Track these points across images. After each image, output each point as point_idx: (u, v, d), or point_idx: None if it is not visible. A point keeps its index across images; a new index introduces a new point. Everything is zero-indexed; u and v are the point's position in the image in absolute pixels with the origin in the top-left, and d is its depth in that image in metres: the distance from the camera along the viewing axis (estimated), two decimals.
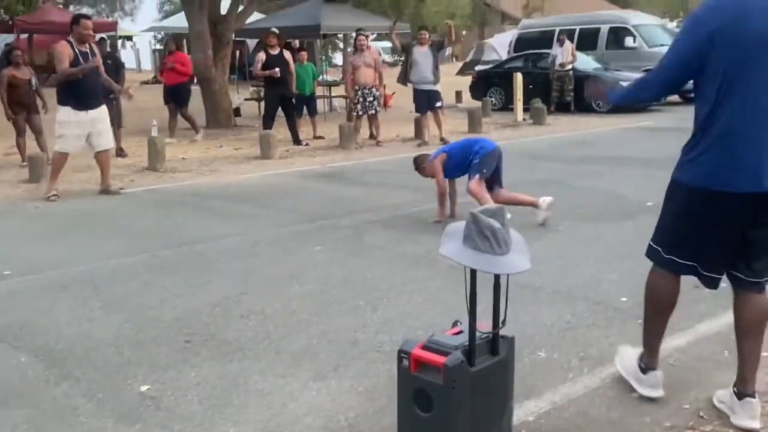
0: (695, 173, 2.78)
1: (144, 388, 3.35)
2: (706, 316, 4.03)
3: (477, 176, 6.20)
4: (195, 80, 14.31)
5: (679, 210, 2.90)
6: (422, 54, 12.10)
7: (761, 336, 2.94)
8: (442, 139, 12.16)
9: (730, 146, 2.69)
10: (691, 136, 2.83)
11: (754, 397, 2.90)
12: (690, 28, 2.78)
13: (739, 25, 2.62)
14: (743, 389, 2.91)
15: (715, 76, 2.67)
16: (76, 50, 7.70)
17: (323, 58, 22.77)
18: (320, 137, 12.99)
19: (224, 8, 16.27)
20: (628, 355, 3.28)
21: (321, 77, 18.19)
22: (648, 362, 3.15)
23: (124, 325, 4.16)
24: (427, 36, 12.38)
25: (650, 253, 3.06)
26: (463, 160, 6.41)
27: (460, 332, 2.62)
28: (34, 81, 10.24)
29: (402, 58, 15.88)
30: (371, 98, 12.12)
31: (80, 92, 7.77)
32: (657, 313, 3.10)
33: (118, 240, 6.22)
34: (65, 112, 7.82)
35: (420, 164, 6.73)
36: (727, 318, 3.87)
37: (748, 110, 2.66)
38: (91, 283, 4.95)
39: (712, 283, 2.96)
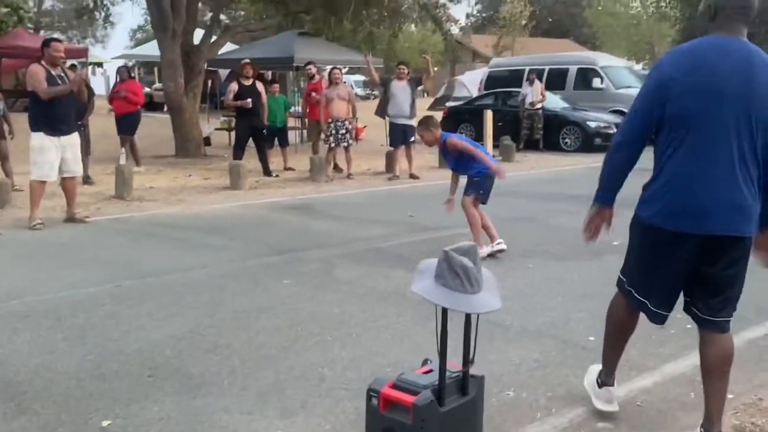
0: (650, 211, 2.91)
1: (105, 423, 3.27)
2: (672, 357, 4.07)
3: (473, 195, 6.46)
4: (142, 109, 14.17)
5: (636, 245, 3.04)
6: (400, 88, 12.24)
7: (726, 376, 2.99)
8: (411, 175, 12.24)
9: (683, 188, 2.82)
10: (652, 175, 2.95)
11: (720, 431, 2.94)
12: (652, 77, 2.92)
13: (694, 75, 2.78)
14: (709, 429, 2.95)
15: (672, 121, 2.82)
16: (51, 72, 7.63)
17: (295, 89, 22.81)
18: (290, 169, 13.00)
19: (197, 38, 16.29)
20: (592, 372, 3.46)
21: (293, 108, 18.27)
22: (605, 379, 3.33)
23: (86, 357, 4.07)
24: (406, 71, 12.52)
25: (618, 281, 3.20)
26: (463, 162, 6.50)
27: (430, 371, 2.60)
28: (1, 106, 10.11)
29: (374, 92, 16.10)
30: (344, 131, 12.19)
31: (54, 118, 7.67)
32: (615, 334, 3.28)
33: (83, 269, 6.11)
34: (39, 138, 7.70)
35: (429, 126, 6.64)
36: (694, 359, 3.91)
37: (701, 155, 2.79)
38: (54, 313, 4.85)
39: (658, 319, 3.08)
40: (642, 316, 3.16)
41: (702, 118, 2.77)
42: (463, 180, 6.69)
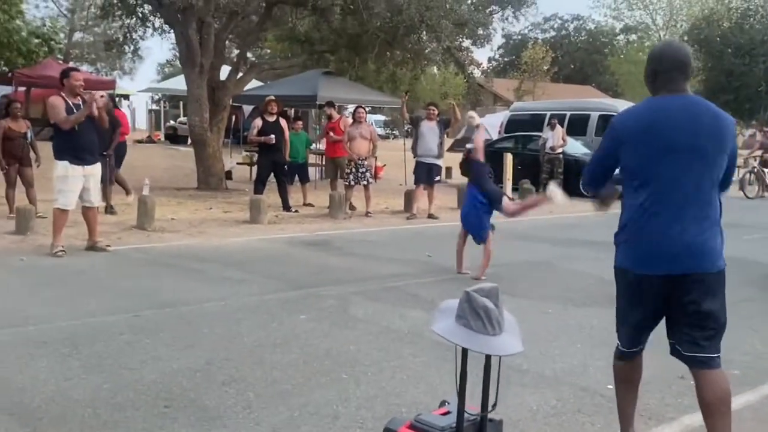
0: (621, 257, 3.20)
1: None
2: (690, 408, 3.99)
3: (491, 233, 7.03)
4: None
5: (617, 291, 3.28)
6: (429, 128, 12.34)
7: (726, 416, 3.06)
8: (430, 215, 12.27)
9: (644, 234, 3.08)
10: (618, 225, 3.24)
11: None
12: (607, 132, 3.29)
13: (648, 130, 3.08)
14: None
15: (631, 172, 3.14)
16: (70, 103, 7.78)
17: (317, 127, 23.06)
18: (310, 204, 13.07)
19: (224, 74, 16.55)
20: None
21: (313, 145, 18.45)
22: (623, 429, 3.40)
23: (102, 385, 4.08)
24: (436, 112, 12.64)
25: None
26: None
27: (448, 413, 2.59)
28: (29, 134, 10.30)
29: (394, 131, 16.27)
30: (363, 169, 12.28)
31: (78, 147, 7.80)
32: (621, 385, 3.40)
33: (102, 298, 6.15)
34: (63, 167, 7.82)
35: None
36: None
37: (660, 202, 3.05)
38: (72, 341, 4.87)
39: (626, 357, 3.31)
40: (647, 362, 3.35)
41: (656, 169, 3.05)
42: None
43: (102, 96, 8.01)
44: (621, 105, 21.04)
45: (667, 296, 3.09)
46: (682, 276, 3.02)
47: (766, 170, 18.67)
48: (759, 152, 19.31)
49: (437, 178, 12.50)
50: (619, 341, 3.31)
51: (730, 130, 3.11)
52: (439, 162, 12.49)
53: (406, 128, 33.25)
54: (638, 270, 3.09)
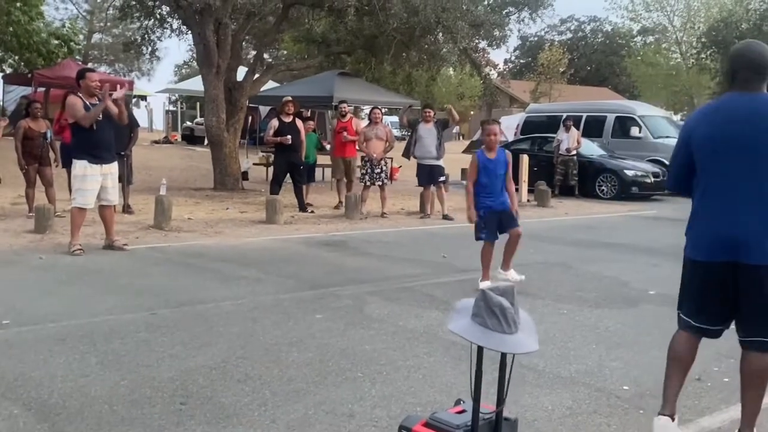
0: (689, 246, 3.47)
1: None
2: (708, 410, 3.98)
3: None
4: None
5: (683, 276, 3.55)
6: (427, 130, 12.33)
7: (760, 388, 3.37)
8: (444, 216, 12.26)
9: (710, 224, 3.34)
10: (690, 217, 3.49)
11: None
12: (681, 132, 3.54)
13: (712, 128, 3.32)
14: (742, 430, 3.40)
15: (699, 167, 3.38)
16: (87, 103, 7.85)
17: (332, 128, 23.13)
18: (309, 204, 12.95)
19: (240, 75, 16.63)
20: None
21: (329, 147, 18.48)
22: (662, 409, 3.50)
23: (119, 382, 4.11)
24: (432, 114, 12.64)
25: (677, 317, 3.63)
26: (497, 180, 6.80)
27: (463, 411, 2.59)
28: (48, 134, 10.40)
29: (407, 133, 16.29)
30: (379, 170, 12.29)
31: (96, 146, 7.88)
32: (672, 365, 3.55)
33: (119, 296, 6.20)
34: (81, 166, 7.90)
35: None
36: (731, 413, 3.85)
37: (724, 195, 3.28)
38: (90, 338, 4.92)
39: (711, 334, 3.49)
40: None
41: (720, 164, 3.28)
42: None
43: (121, 88, 8.04)
44: (638, 107, 21.00)
45: (728, 281, 3.31)
46: (738, 264, 3.24)
47: None
48: None
49: (442, 179, 12.48)
50: (693, 318, 3.48)
51: None
52: (440, 162, 12.44)
53: (403, 133, 33.35)
54: (697, 257, 3.39)
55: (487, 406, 2.62)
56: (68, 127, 10.99)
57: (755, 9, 33.20)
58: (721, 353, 4.85)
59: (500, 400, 2.59)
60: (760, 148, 3.21)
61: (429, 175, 12.36)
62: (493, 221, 6.82)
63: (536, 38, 63.82)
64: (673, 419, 3.45)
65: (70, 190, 10.49)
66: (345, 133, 13.22)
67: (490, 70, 20.21)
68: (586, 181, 16.80)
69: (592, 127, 19.28)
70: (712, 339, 3.51)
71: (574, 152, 16.61)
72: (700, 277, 3.40)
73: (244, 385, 4.14)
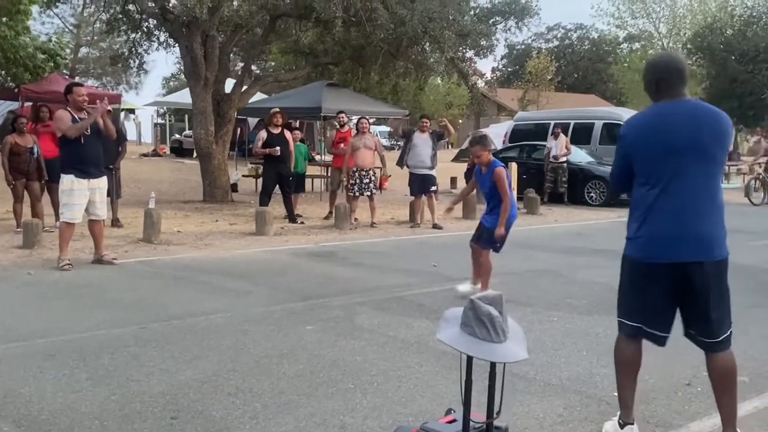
0: (638, 248, 3.46)
1: None
2: (698, 414, 4.00)
3: (490, 248, 6.73)
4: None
5: (624, 279, 3.57)
6: (422, 140, 12.38)
7: (731, 389, 3.42)
8: (434, 225, 12.29)
9: (653, 225, 3.38)
10: (629, 219, 3.57)
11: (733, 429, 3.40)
12: (620, 143, 3.58)
13: (653, 133, 3.41)
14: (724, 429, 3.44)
15: (640, 173, 3.46)
16: (75, 117, 7.84)
17: (321, 139, 23.13)
18: (299, 215, 12.93)
19: (228, 87, 16.63)
20: (611, 422, 3.69)
21: (318, 157, 18.49)
22: (625, 419, 3.57)
23: (109, 397, 4.09)
24: (428, 124, 12.68)
25: (618, 323, 3.65)
26: (494, 196, 6.64)
27: (454, 421, 2.59)
28: (35, 149, 10.36)
29: (399, 143, 16.38)
30: (367, 180, 12.30)
31: (83, 160, 7.86)
32: (621, 371, 3.61)
33: (109, 310, 6.18)
34: (68, 181, 7.88)
35: (486, 146, 6.64)
36: (720, 417, 3.86)
37: (668, 197, 3.35)
38: (79, 353, 4.89)
39: (658, 341, 3.50)
40: (652, 370, 3.64)
41: (658, 168, 3.37)
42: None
43: (104, 102, 8.04)
44: (625, 113, 21.07)
45: (679, 284, 3.35)
46: (690, 263, 3.30)
47: None
48: (764, 159, 19.29)
49: (433, 188, 12.53)
50: (644, 324, 3.49)
51: (726, 127, 3.39)
52: (432, 172, 12.49)
53: (398, 142, 33.42)
54: (649, 260, 3.38)
55: (478, 415, 2.62)
56: (44, 135, 11.03)
57: (739, 15, 33.52)
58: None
59: (490, 412, 2.59)
60: (705, 149, 3.32)
61: (421, 185, 12.40)
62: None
63: (523, 46, 64.18)
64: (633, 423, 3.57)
65: (54, 206, 10.51)
66: (342, 145, 13.21)
67: (477, 80, 20.24)
68: (575, 188, 16.88)
69: (580, 134, 19.36)
70: (659, 346, 3.52)
71: (564, 159, 16.69)
72: (651, 279, 3.41)
73: (235, 398, 4.13)
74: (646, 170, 3.42)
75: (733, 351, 3.44)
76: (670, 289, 3.39)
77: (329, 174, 15.62)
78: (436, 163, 12.54)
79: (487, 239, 6.73)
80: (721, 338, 3.39)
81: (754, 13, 32.07)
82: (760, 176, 18.69)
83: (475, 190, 6.99)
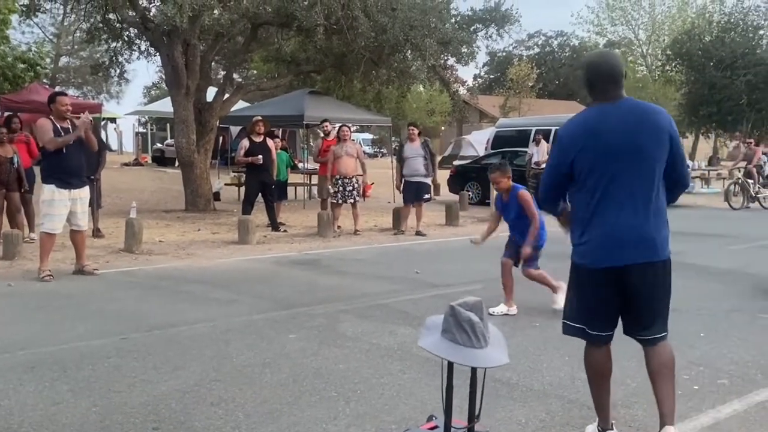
0: (584, 254, 3.45)
1: None
2: (679, 418, 4.02)
3: (533, 267, 6.67)
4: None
5: (570, 283, 3.59)
6: (413, 149, 12.44)
7: (669, 380, 3.45)
8: (418, 232, 12.32)
9: (596, 230, 3.38)
10: (573, 226, 3.55)
11: (672, 424, 3.44)
12: (556, 144, 3.54)
13: (591, 136, 3.37)
14: (663, 424, 3.43)
15: (579, 177, 3.41)
16: (57, 126, 7.80)
17: (304, 147, 23.12)
18: (282, 224, 12.92)
19: (210, 95, 16.60)
20: (592, 426, 3.71)
21: (301, 165, 18.48)
22: (603, 425, 3.60)
23: (91, 409, 4.06)
24: (416, 131, 12.71)
25: (562, 325, 3.64)
26: (522, 221, 6.55)
27: (435, 427, 2.60)
28: (16, 159, 10.27)
29: (383, 149, 16.38)
30: (350, 188, 12.30)
31: (65, 170, 7.81)
32: (593, 378, 3.60)
33: (90, 321, 6.13)
34: (49, 191, 7.82)
35: (507, 173, 6.69)
36: (701, 420, 3.91)
37: (608, 199, 3.34)
38: (60, 365, 4.86)
39: (601, 340, 3.52)
40: (634, 374, 3.63)
41: (598, 171, 3.34)
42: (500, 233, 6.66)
43: (86, 115, 8.01)
44: None
45: (623, 286, 3.38)
46: (634, 265, 3.33)
47: (750, 181, 18.86)
48: (743, 164, 19.51)
49: (426, 196, 12.58)
50: (586, 326, 3.50)
51: (665, 125, 3.36)
52: (428, 180, 12.56)
53: (382, 149, 33.41)
54: (594, 265, 3.39)
55: (459, 421, 2.63)
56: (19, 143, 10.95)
57: (717, 22, 33.93)
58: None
59: (471, 416, 2.60)
60: (644, 150, 3.31)
61: (416, 192, 12.43)
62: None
63: (504, 53, 64.51)
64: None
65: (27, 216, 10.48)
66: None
67: (459, 87, 20.33)
68: None
69: None
70: (603, 345, 3.54)
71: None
72: (596, 283, 3.41)
73: (218, 408, 4.11)
74: (584, 175, 3.39)
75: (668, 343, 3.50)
76: (614, 291, 3.40)
77: (318, 182, 15.56)
78: (431, 171, 12.60)
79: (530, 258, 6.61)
80: (664, 333, 3.46)
81: (732, 20, 32.48)
82: (740, 181, 18.91)
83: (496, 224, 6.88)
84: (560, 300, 6.68)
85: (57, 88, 31.62)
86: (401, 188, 12.75)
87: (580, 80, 3.59)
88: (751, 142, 21.18)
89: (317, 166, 14.57)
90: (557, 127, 20.70)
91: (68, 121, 7.95)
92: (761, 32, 31.59)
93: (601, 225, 3.36)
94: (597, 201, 3.36)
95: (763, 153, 20.24)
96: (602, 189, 3.34)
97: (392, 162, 15.61)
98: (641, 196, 3.33)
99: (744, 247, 10.92)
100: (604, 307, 3.46)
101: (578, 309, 3.52)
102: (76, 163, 7.95)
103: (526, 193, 6.57)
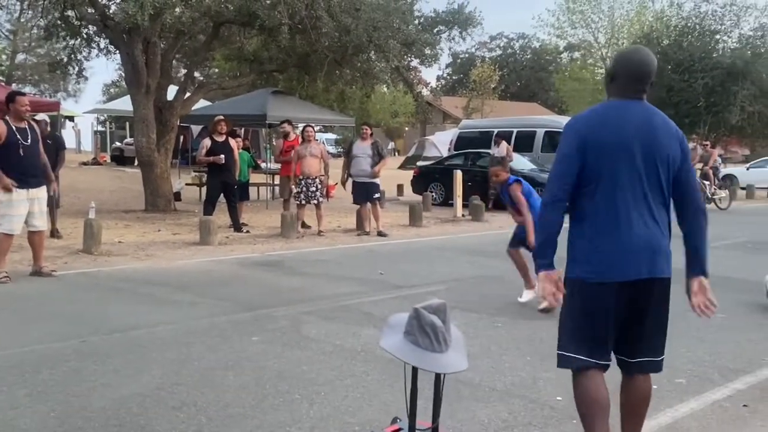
0: (585, 266, 3.04)
1: None
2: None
3: (517, 249, 7.08)
4: None
5: (573, 306, 3.10)
6: (361, 149, 12.41)
7: (644, 414, 3.20)
8: (379, 233, 12.33)
9: (604, 241, 3.00)
10: (572, 233, 3.12)
11: None
12: (569, 137, 3.08)
13: (609, 136, 3.00)
14: None
15: (590, 179, 3.02)
16: (13, 127, 7.64)
17: (267, 146, 22.97)
18: (244, 224, 12.83)
19: (171, 94, 16.40)
20: None
21: (264, 165, 18.36)
22: None
23: (50, 414, 3.99)
24: (369, 131, 12.71)
25: (561, 359, 3.17)
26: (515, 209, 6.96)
27: (399, 430, 2.61)
28: None
29: (343, 149, 16.40)
30: (314, 188, 12.26)
31: (22, 170, 7.66)
32: (591, 413, 3.06)
33: (48, 324, 6.02)
34: (6, 192, 7.66)
35: (505, 167, 7.16)
36: (660, 419, 3.97)
37: (619, 208, 2.99)
38: (18, 369, 4.76)
39: (603, 369, 3.12)
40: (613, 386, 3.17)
41: (623, 174, 2.98)
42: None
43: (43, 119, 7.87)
44: (566, 122, 21.55)
45: (627, 303, 3.04)
46: (646, 280, 3.00)
47: (706, 182, 19.28)
48: (699, 165, 19.92)
49: (377, 195, 12.59)
50: (591, 357, 3.08)
51: (678, 134, 3.10)
52: (376, 180, 12.53)
53: (338, 150, 33.39)
54: (604, 279, 3.00)
55: (424, 422, 2.65)
56: None
57: (675, 26, 34.53)
58: None
59: (435, 416, 2.62)
60: (659, 157, 3.02)
61: (365, 192, 12.42)
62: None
63: (467, 55, 64.97)
64: None
65: None
66: (292, 153, 13.10)
67: (422, 88, 20.40)
68: None
69: (523, 142, 19.71)
70: (604, 372, 3.13)
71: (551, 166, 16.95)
72: (609, 301, 3.01)
73: (179, 411, 4.07)
74: (596, 177, 3.01)
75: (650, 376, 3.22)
76: (620, 310, 3.04)
77: (280, 183, 15.48)
78: (378, 171, 12.62)
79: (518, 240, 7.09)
80: (663, 356, 3.17)
81: (689, 24, 33.06)
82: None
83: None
84: (528, 296, 6.95)
85: (13, 86, 31.00)
86: (348, 186, 12.73)
87: (609, 73, 3.15)
88: (707, 145, 21.66)
89: (280, 165, 14.51)
90: (519, 129, 20.87)
91: (25, 122, 7.79)
92: (717, 37, 32.20)
93: (612, 235, 2.99)
94: (609, 208, 3.00)
95: (719, 155, 20.71)
96: (616, 194, 3.00)
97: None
98: (655, 205, 3.03)
99: None
100: (611, 329, 3.06)
101: (580, 336, 3.08)
102: (33, 162, 7.80)
103: (514, 187, 6.96)
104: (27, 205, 7.77)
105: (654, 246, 3.00)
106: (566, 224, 3.13)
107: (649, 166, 3.01)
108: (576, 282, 3.06)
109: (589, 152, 3.00)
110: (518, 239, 7.08)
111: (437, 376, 2.61)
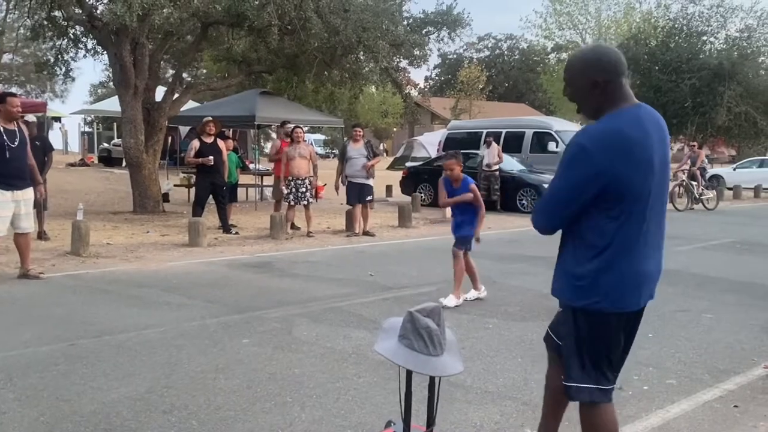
0: (605, 296, 2.71)
1: None
2: (630, 418, 4.11)
3: (463, 249, 7.26)
4: None
5: (597, 337, 2.79)
6: (355, 150, 12.42)
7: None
8: (366, 233, 12.35)
9: (634, 264, 2.69)
10: (587, 258, 2.73)
11: None
12: (580, 160, 2.66)
13: (632, 150, 2.62)
14: None
15: (609, 199, 2.64)
16: (1, 129, 7.58)
17: (255, 147, 22.92)
18: (233, 225, 12.80)
19: (159, 95, 16.33)
20: None
21: (252, 166, 18.31)
22: None
23: (39, 418, 3.96)
24: (361, 132, 12.71)
25: (575, 391, 2.85)
26: (468, 209, 7.22)
27: None
28: None
29: (335, 151, 16.35)
30: (303, 189, 12.24)
31: (8, 172, 7.60)
32: None
33: (36, 327, 5.97)
34: None
35: (461, 160, 7.28)
36: (651, 420, 3.99)
37: (638, 230, 2.68)
38: (6, 373, 4.71)
39: (611, 395, 2.91)
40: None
41: (638, 193, 2.65)
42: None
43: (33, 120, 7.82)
44: (554, 122, 21.62)
45: (630, 328, 2.85)
46: (644, 306, 2.83)
47: (694, 183, 19.40)
48: (687, 166, 20.03)
49: (369, 198, 12.59)
50: (605, 382, 2.84)
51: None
52: (370, 182, 12.55)
53: (334, 150, 33.33)
54: (623, 308, 2.74)
55: (418, 426, 2.64)
56: None
57: (662, 27, 34.72)
58: (640, 362, 5.03)
59: (430, 422, 2.61)
60: (668, 168, 2.79)
61: (359, 194, 12.42)
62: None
63: (455, 56, 65.08)
64: None
65: None
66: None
67: (411, 89, 20.42)
68: (507, 195, 17.18)
69: (512, 143, 19.74)
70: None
71: (496, 168, 16.98)
72: (620, 330, 2.80)
73: (170, 415, 4.04)
74: (617, 197, 2.64)
75: None
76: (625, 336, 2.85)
77: (273, 184, 15.40)
78: (373, 173, 12.62)
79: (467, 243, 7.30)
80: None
81: (677, 25, 33.25)
82: (684, 183, 19.42)
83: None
84: (473, 295, 7.26)
85: (0, 87, 30.77)
86: (344, 187, 12.70)
87: (589, 84, 2.71)
88: (694, 145, 21.78)
89: (270, 166, 14.45)
90: (507, 130, 20.91)
91: (14, 123, 7.73)
92: (704, 38, 32.40)
93: (631, 258, 2.69)
94: (631, 230, 2.67)
95: (706, 156, 20.84)
96: (639, 217, 2.67)
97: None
98: (664, 224, 2.80)
99: (689, 248, 11.20)
100: (620, 356, 2.87)
101: (596, 365, 2.78)
102: (19, 164, 7.75)
103: (475, 187, 7.25)
104: (13, 207, 7.71)
105: (660, 270, 2.81)
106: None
107: (664, 181, 2.75)
108: (595, 313, 2.73)
109: (610, 181, 2.61)
110: (465, 239, 7.28)
111: (432, 379, 2.60)
